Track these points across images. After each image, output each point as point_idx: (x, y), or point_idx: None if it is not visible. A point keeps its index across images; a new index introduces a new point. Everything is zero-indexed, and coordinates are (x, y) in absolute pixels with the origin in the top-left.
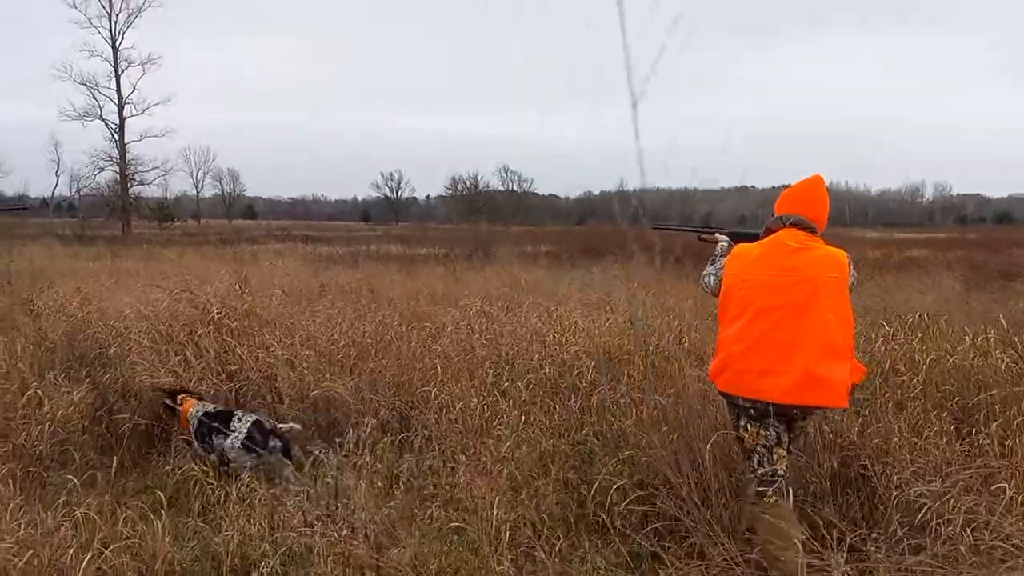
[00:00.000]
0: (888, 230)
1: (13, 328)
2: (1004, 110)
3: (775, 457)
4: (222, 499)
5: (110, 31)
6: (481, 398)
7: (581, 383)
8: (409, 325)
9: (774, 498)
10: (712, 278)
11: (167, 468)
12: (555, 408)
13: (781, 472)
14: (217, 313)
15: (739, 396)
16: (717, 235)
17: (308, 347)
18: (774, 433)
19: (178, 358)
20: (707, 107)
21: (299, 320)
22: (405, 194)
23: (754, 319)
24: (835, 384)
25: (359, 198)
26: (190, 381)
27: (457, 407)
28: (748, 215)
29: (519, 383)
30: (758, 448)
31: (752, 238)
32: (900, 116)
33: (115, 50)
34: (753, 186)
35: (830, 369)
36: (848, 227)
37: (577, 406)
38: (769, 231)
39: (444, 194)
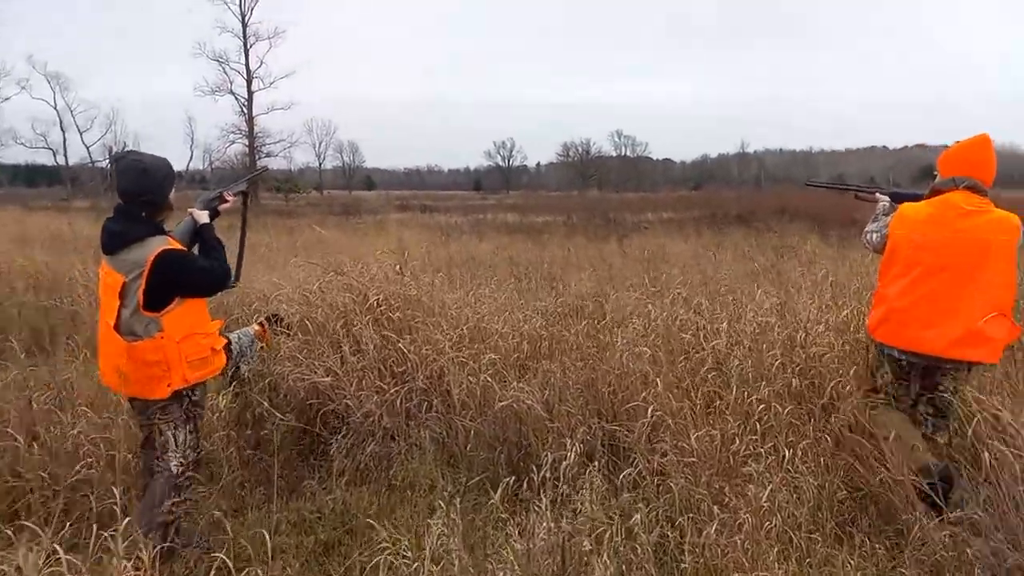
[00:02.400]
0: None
1: None
2: None
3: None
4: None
5: (239, 6)
6: (713, 418)
7: (838, 396)
8: (581, 313)
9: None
10: (875, 235)
11: (325, 493)
12: (809, 431)
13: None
14: (376, 300)
15: (897, 347)
16: (877, 195)
17: (478, 341)
18: (915, 387)
19: (336, 356)
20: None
21: (463, 308)
22: (516, 162)
23: (922, 277)
24: (994, 342)
25: (471, 167)
26: (350, 384)
27: (684, 429)
28: (876, 176)
29: (754, 396)
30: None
31: (914, 198)
32: None
33: (244, 25)
34: (884, 146)
35: (991, 328)
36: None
37: (838, 426)
38: (936, 192)
39: (556, 161)
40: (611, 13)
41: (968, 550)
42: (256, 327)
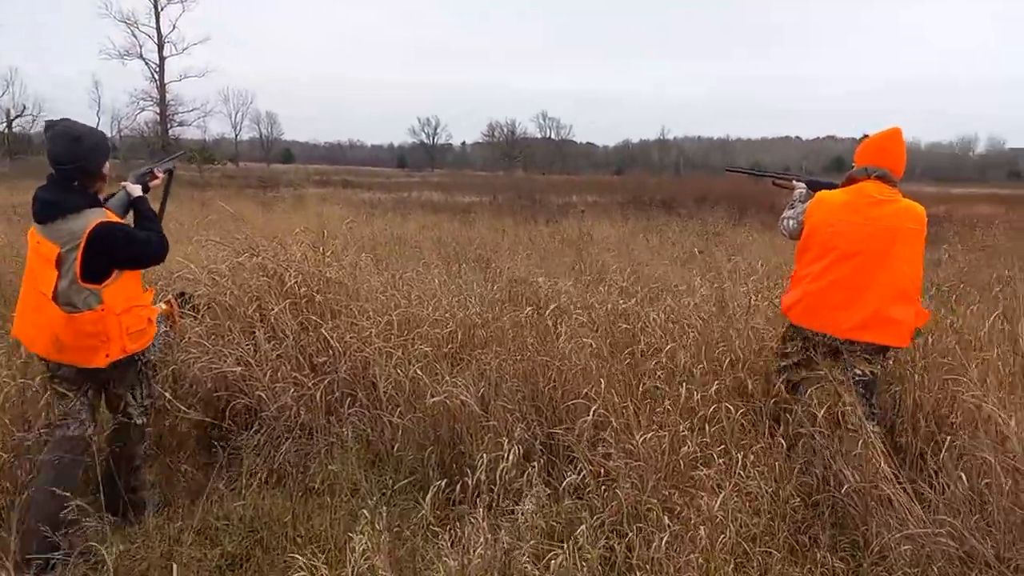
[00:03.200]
0: (942, 185)
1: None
2: None
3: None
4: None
5: None
6: (659, 417)
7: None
8: (516, 300)
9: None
10: (792, 222)
11: (233, 497)
12: (763, 433)
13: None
14: (294, 283)
15: (810, 329)
16: (794, 182)
17: (407, 329)
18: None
19: (249, 343)
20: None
21: (390, 293)
22: (441, 140)
23: (836, 261)
24: (901, 325)
25: (395, 144)
26: (264, 375)
27: (628, 429)
28: (791, 165)
29: (697, 393)
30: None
31: (829, 187)
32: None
33: None
34: (798, 137)
35: (898, 311)
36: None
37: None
38: (852, 180)
39: (481, 141)
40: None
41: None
42: (164, 306)
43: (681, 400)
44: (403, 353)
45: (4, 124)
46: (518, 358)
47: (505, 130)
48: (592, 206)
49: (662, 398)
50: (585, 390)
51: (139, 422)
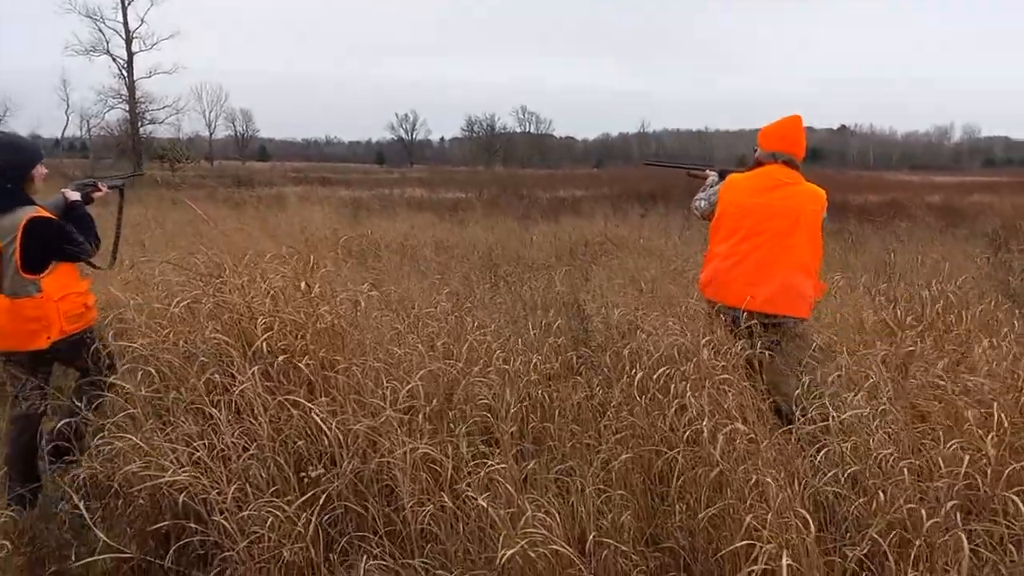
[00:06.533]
0: (923, 173)
1: None
2: None
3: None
4: None
5: None
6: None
7: None
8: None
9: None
10: (703, 202)
11: None
12: None
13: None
14: (267, 330)
15: (722, 304)
16: (707, 171)
17: (443, 404)
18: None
19: (202, 438)
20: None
21: (408, 339)
22: (420, 136)
23: (743, 240)
24: (803, 296)
25: (373, 140)
26: (227, 489)
27: None
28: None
29: None
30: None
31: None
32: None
33: None
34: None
35: (800, 284)
36: (871, 170)
37: None
38: (759, 164)
39: (460, 136)
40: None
41: None
42: None
43: None
44: (441, 448)
45: None
46: (628, 469)
47: (484, 125)
48: (581, 200)
49: None
50: (748, 518)
51: (107, 375)
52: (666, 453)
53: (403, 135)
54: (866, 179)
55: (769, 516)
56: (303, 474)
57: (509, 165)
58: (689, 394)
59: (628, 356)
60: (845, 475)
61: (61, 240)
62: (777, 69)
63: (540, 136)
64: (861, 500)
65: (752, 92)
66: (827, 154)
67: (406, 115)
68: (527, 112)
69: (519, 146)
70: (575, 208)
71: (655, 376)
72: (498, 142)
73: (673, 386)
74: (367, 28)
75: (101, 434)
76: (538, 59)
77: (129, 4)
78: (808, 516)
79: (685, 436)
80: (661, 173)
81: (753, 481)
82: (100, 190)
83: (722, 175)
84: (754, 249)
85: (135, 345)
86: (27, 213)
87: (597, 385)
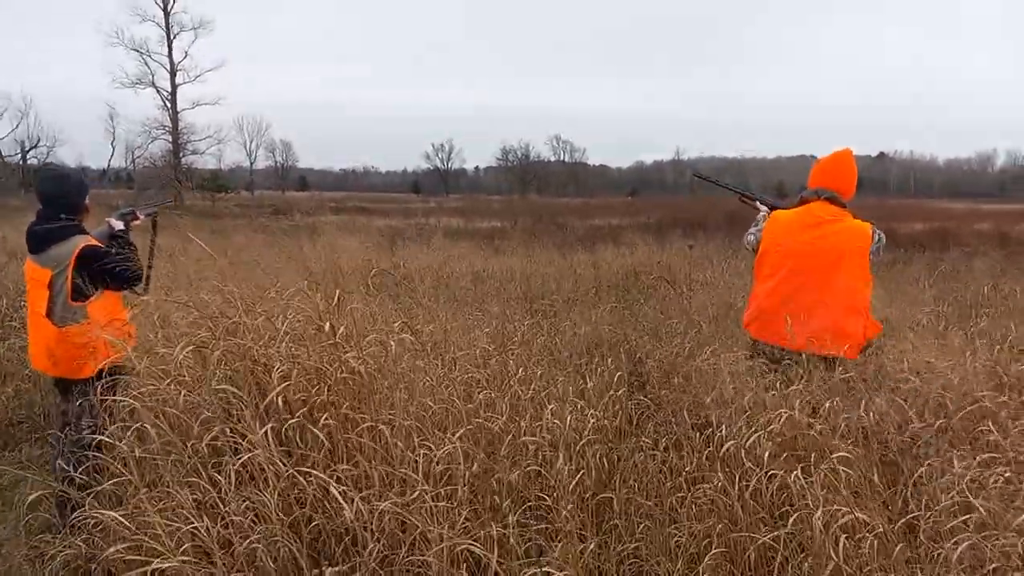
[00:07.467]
0: (959, 200)
1: None
2: None
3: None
4: None
5: None
6: None
7: None
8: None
9: None
10: (753, 237)
11: None
12: None
13: None
14: (283, 379)
15: (767, 342)
16: (758, 203)
17: (481, 476)
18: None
19: (203, 513)
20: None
21: (448, 391)
22: (455, 165)
23: (786, 278)
24: (850, 338)
25: (408, 169)
26: (225, 571)
27: None
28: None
29: None
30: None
31: (780, 208)
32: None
33: (166, 14)
34: (813, 156)
35: (847, 325)
36: (913, 197)
37: None
38: (804, 201)
39: (495, 164)
40: (550, 23)
41: None
42: None
43: None
44: (485, 533)
45: (19, 155)
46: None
47: (519, 154)
48: (617, 229)
49: None
50: None
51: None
52: (759, 539)
53: (439, 164)
54: (908, 207)
55: None
56: (317, 571)
57: (544, 194)
58: (797, 472)
59: (693, 406)
60: None
61: (108, 267)
62: (812, 95)
63: (574, 164)
64: None
65: (788, 117)
66: (867, 182)
67: (442, 144)
68: (561, 141)
69: (554, 174)
70: (614, 237)
71: (743, 440)
72: (532, 171)
73: (757, 448)
74: (401, 55)
75: (82, 508)
76: (569, 84)
77: (175, 37)
78: None
79: (789, 520)
80: (698, 200)
81: None
82: (138, 218)
83: (771, 208)
84: (796, 290)
85: (128, 400)
86: (81, 241)
87: (664, 448)
